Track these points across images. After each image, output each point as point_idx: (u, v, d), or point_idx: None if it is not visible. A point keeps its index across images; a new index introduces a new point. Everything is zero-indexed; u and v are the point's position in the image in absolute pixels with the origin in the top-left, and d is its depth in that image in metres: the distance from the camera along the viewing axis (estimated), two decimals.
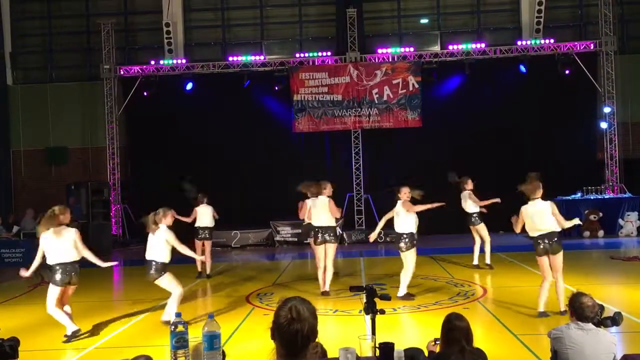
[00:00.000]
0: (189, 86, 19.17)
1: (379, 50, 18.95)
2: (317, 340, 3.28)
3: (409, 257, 9.01)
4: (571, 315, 4.09)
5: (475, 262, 11.73)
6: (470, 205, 11.58)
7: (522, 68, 18.36)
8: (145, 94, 18.99)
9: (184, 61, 19.26)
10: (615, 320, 4.09)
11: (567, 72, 18.07)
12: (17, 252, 15.33)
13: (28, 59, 21.07)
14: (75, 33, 20.74)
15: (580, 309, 4.02)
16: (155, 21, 19.84)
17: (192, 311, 8.73)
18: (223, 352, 3.92)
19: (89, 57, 20.56)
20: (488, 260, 11.67)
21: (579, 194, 17.04)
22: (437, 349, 4.06)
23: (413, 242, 8.99)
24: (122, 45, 20.31)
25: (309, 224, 9.76)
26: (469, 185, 11.69)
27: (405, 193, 9.08)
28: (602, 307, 4.16)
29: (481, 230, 11.65)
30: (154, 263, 7.73)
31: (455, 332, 3.84)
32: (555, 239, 7.50)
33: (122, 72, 19.37)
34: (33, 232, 10.01)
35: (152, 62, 19.21)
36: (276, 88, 18.81)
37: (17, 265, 14.91)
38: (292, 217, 11.51)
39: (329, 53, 19.09)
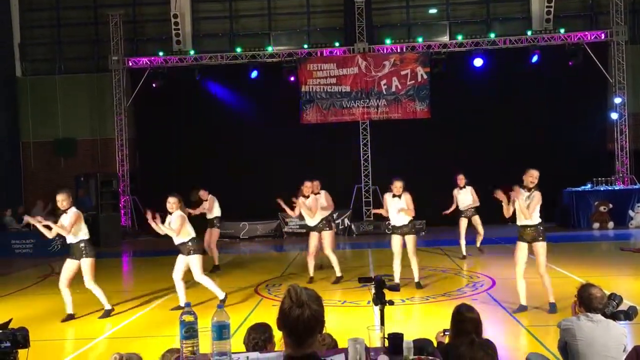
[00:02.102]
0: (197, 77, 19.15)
1: (387, 41, 18.85)
2: (326, 331, 3.28)
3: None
4: (579, 306, 4.06)
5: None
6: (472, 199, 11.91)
7: (532, 58, 18.19)
8: (153, 85, 19.00)
9: (192, 52, 19.25)
10: (628, 315, 4.05)
11: (577, 62, 17.89)
12: (27, 244, 15.49)
13: (36, 50, 21.09)
14: (83, 24, 20.73)
15: (588, 300, 3.98)
16: (163, 12, 19.82)
17: (201, 301, 8.76)
18: (269, 327, 3.90)
19: (97, 48, 20.58)
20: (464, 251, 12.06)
21: (589, 185, 16.95)
22: (446, 340, 4.05)
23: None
24: (131, 37, 20.30)
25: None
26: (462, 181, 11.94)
27: (395, 187, 9.18)
28: (620, 299, 4.11)
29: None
30: None
31: (466, 323, 3.83)
32: None
33: (130, 64, 19.39)
34: None
35: (161, 54, 19.22)
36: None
37: (28, 256, 15.14)
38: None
39: (337, 44, 19.01)
